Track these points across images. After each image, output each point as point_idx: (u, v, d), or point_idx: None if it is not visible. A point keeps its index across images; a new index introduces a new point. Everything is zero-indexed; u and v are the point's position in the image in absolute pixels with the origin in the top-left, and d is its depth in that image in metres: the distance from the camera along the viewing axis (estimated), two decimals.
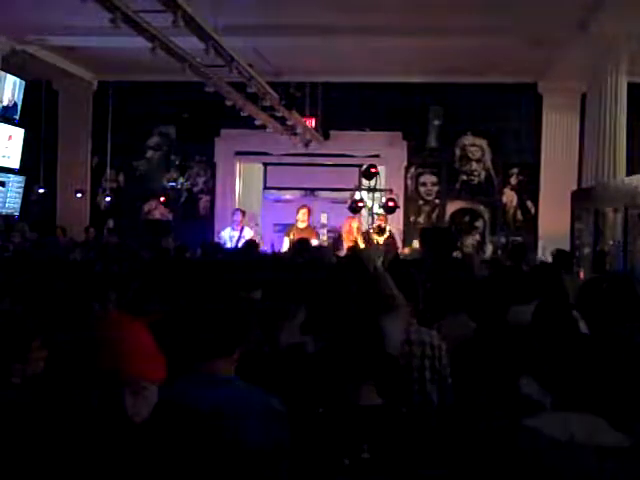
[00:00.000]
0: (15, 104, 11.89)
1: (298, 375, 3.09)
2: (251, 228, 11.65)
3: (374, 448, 2.53)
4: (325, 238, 11.67)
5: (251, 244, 8.24)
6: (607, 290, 3.75)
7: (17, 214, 12.56)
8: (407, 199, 13.05)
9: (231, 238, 10.93)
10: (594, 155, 9.43)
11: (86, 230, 12.58)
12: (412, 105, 12.72)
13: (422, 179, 13.23)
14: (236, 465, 2.51)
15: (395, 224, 12.10)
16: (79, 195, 13.40)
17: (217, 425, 2.51)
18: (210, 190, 13.68)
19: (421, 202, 13.23)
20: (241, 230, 11.17)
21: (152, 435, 2.56)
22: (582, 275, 8.67)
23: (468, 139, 13.08)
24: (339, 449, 2.53)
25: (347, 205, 10.82)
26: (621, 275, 6.39)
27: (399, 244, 11.66)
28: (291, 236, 10.64)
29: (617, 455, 2.07)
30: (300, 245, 7.74)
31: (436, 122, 12.69)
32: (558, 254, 7.53)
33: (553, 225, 11.72)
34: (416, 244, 11.08)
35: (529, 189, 12.94)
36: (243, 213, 11.58)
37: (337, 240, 10.69)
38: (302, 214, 11.24)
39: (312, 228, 11.35)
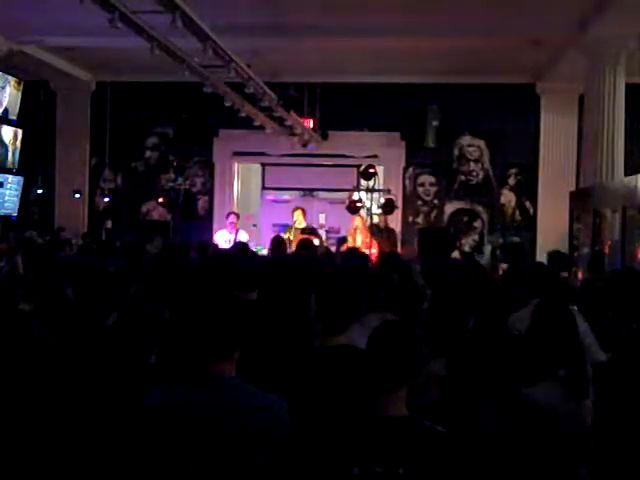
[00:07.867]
0: (13, 104, 11.87)
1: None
2: (246, 231, 11.59)
3: (390, 462, 2.37)
4: (324, 238, 11.65)
5: (240, 247, 8.16)
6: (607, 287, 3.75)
7: (15, 215, 12.53)
8: (405, 199, 13.04)
9: (226, 241, 10.85)
10: (592, 155, 9.44)
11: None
12: (410, 105, 12.70)
13: (420, 179, 13.23)
14: (235, 465, 2.51)
15: (394, 224, 12.09)
16: (77, 196, 13.39)
17: (219, 427, 2.51)
18: (208, 190, 13.66)
19: (419, 202, 13.22)
20: (236, 233, 11.11)
21: (151, 438, 2.56)
22: (580, 275, 8.68)
23: (466, 139, 13.08)
24: (351, 457, 2.41)
25: (345, 205, 10.81)
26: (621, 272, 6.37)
27: (397, 244, 11.64)
28: (290, 237, 10.62)
29: None
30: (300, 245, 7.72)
31: (434, 122, 12.66)
32: (554, 256, 7.45)
33: (552, 225, 11.74)
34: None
35: (527, 189, 12.94)
36: (237, 216, 11.51)
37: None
38: (297, 215, 11.23)
39: (311, 228, 11.32)
